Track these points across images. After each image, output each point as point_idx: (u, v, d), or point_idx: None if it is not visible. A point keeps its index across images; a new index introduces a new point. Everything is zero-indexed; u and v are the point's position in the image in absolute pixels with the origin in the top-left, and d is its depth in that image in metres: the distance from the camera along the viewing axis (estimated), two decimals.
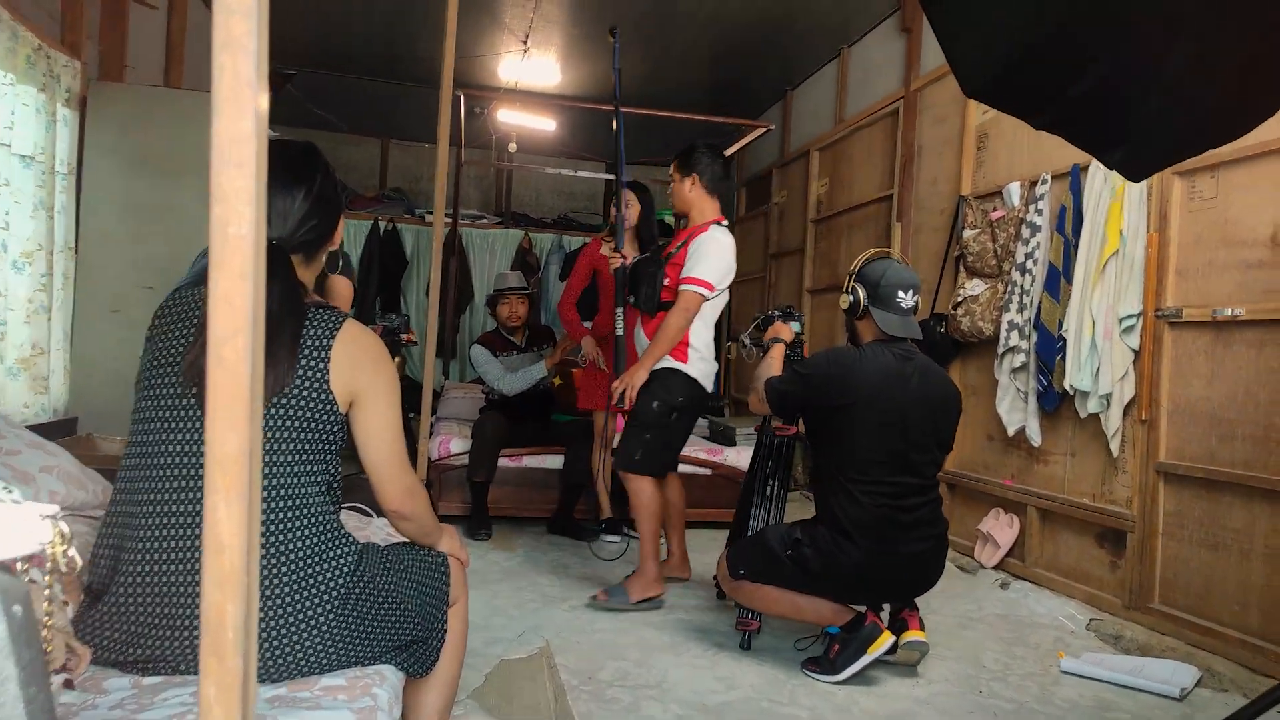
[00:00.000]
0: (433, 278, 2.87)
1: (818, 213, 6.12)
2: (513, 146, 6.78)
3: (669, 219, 7.70)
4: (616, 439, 4.45)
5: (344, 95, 7.29)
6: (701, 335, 3.35)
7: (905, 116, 4.92)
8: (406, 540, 1.67)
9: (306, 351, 1.39)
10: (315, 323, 1.42)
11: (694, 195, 3.41)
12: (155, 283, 3.41)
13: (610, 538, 4.27)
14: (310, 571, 1.37)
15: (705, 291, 3.25)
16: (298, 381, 1.38)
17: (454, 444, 4.47)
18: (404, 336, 3.43)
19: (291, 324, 1.38)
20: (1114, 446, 3.31)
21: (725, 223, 3.45)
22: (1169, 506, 3.12)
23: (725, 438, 5.63)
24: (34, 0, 3.23)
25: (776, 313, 3.07)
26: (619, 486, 4.38)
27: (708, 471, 4.69)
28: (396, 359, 4.79)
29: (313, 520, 1.40)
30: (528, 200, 8.66)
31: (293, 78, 6.97)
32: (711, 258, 3.28)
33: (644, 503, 3.25)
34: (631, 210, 4.27)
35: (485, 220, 7.88)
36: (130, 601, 1.34)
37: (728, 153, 5.76)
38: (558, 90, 7.00)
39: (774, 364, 2.87)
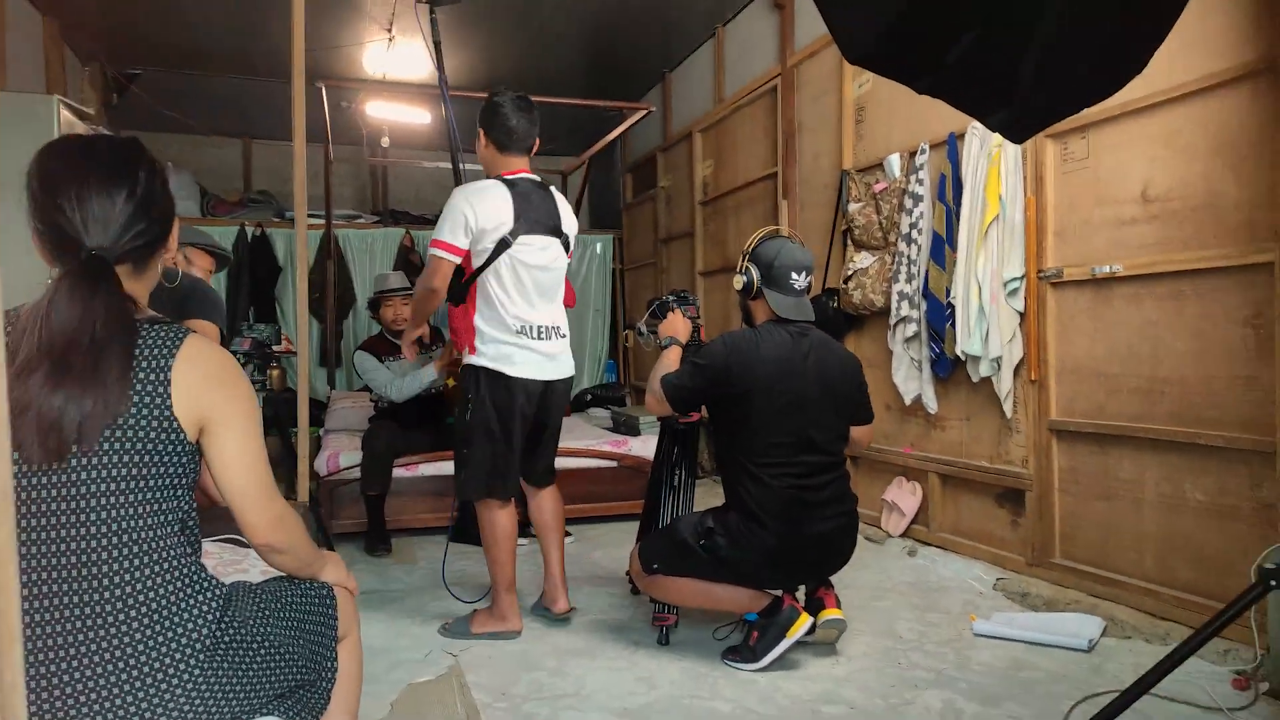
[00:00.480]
0: (299, 281, 2.67)
1: (705, 194, 6.09)
2: (385, 141, 6.48)
3: None
4: None
5: (198, 94, 6.84)
6: (491, 315, 2.78)
7: (784, 93, 4.92)
8: (284, 575, 1.50)
9: (142, 375, 1.20)
10: (150, 341, 1.23)
11: (485, 154, 2.92)
12: None
13: (520, 540, 4.11)
14: (168, 624, 1.20)
15: (442, 253, 2.72)
16: (134, 410, 1.19)
17: (343, 458, 4.23)
18: (278, 347, 3.19)
19: (120, 344, 1.19)
20: (1007, 408, 3.38)
21: (519, 175, 2.85)
22: (1063, 463, 3.19)
23: (629, 428, 5.56)
24: None
25: (671, 298, 2.98)
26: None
27: (613, 464, 4.60)
28: (275, 370, 4.50)
29: (167, 565, 1.22)
30: (407, 197, 8.33)
31: (138, 78, 6.49)
32: (444, 214, 2.76)
33: (486, 531, 2.86)
34: None
35: (362, 220, 7.54)
36: None
37: (609, 137, 5.68)
38: (430, 79, 6.73)
39: (670, 363, 2.77)
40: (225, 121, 7.39)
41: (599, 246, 7.85)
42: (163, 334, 1.24)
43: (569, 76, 6.83)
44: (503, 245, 2.73)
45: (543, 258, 2.82)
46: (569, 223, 2.97)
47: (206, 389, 1.25)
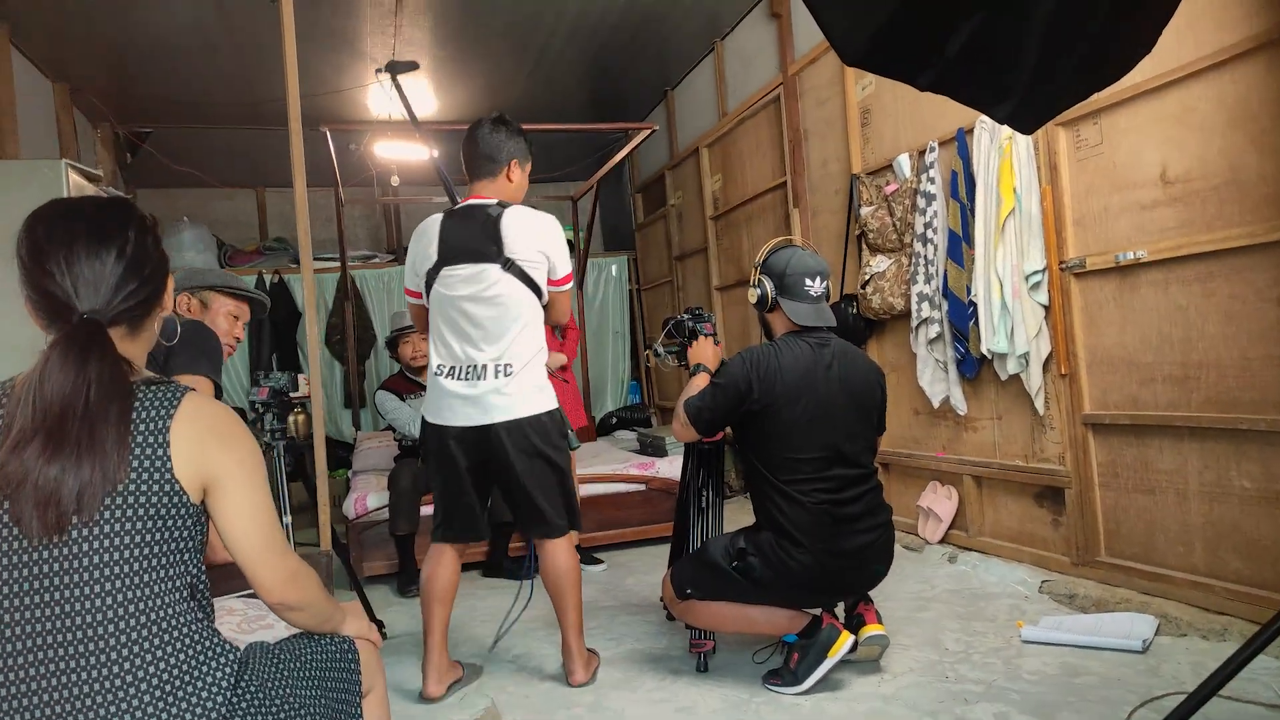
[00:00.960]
0: (308, 325, 2.64)
1: (715, 209, 6.05)
2: (395, 180, 6.52)
3: (567, 235, 7.56)
4: None
5: (209, 148, 6.93)
6: (431, 356, 2.64)
7: (787, 102, 4.88)
8: (299, 632, 1.46)
9: (140, 438, 1.18)
10: (147, 403, 1.20)
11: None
12: None
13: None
14: (180, 694, 1.16)
15: (409, 298, 2.72)
16: (134, 475, 1.16)
17: (371, 499, 4.21)
18: (296, 394, 3.18)
19: (118, 408, 1.17)
20: (1038, 405, 3.29)
21: (469, 202, 2.60)
22: (1101, 457, 3.10)
23: (655, 449, 5.50)
24: None
25: (685, 316, 2.94)
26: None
27: (641, 487, 4.54)
28: (300, 415, 4.50)
29: (177, 634, 1.18)
30: None
31: (149, 136, 6.60)
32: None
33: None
34: None
35: (377, 259, 7.58)
36: None
37: (615, 159, 5.67)
38: (436, 116, 6.77)
39: (697, 389, 2.72)
40: (237, 172, 7.48)
41: (614, 268, 7.84)
42: (160, 394, 1.22)
43: (572, 103, 6.85)
44: (429, 280, 2.59)
45: (469, 287, 2.51)
46: (518, 244, 2.50)
47: (207, 448, 1.22)
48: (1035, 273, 3.20)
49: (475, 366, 2.52)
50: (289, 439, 3.22)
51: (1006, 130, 3.28)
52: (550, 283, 2.60)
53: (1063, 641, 2.66)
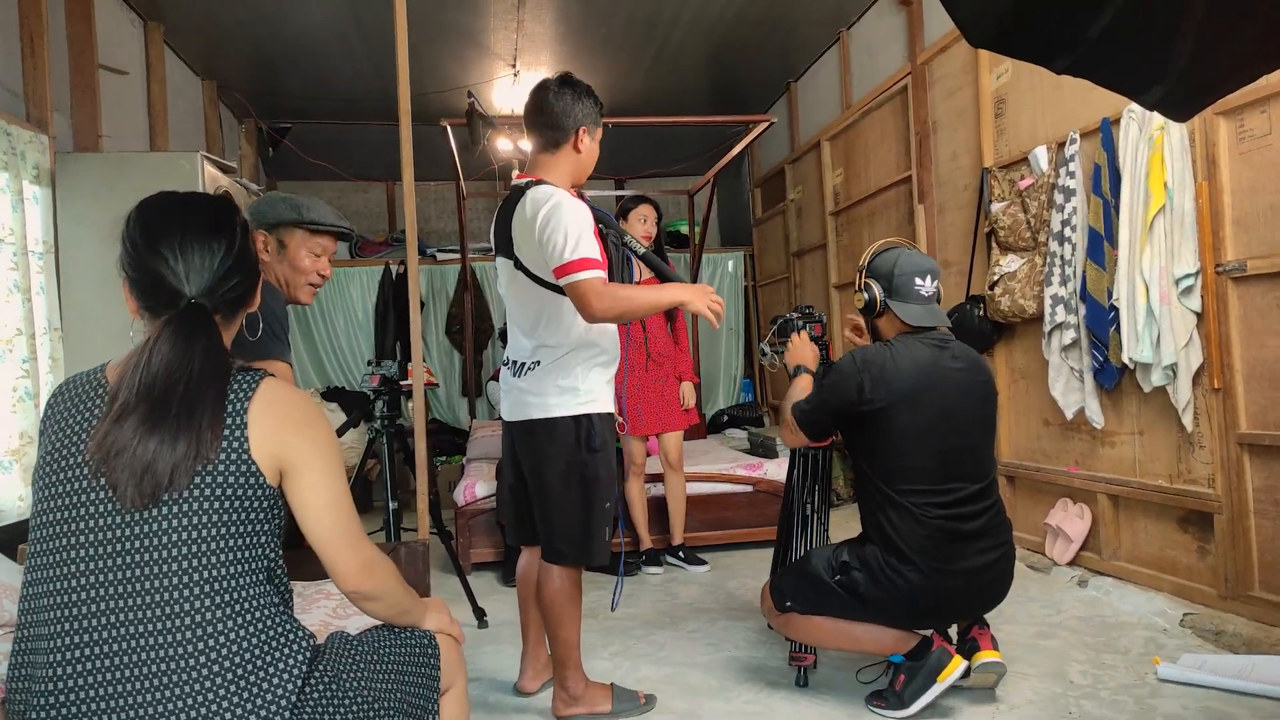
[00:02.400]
0: (412, 315, 2.66)
1: (836, 204, 5.86)
2: (515, 173, 6.60)
3: (683, 229, 7.50)
4: (648, 463, 4.25)
5: (345, 142, 7.21)
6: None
7: (915, 92, 4.66)
8: (382, 624, 1.45)
9: (225, 419, 1.21)
10: (232, 386, 1.24)
11: None
12: None
13: (652, 569, 4.03)
14: (252, 679, 1.16)
15: None
16: (215, 456, 1.18)
17: (479, 487, 4.27)
18: (406, 383, 3.25)
19: (216, 389, 1.21)
20: (1186, 421, 3.00)
21: (516, 183, 2.41)
22: (1258, 481, 2.80)
23: (765, 450, 5.39)
24: None
25: (794, 315, 2.82)
26: (657, 514, 4.16)
27: (749, 489, 4.44)
28: (410, 404, 4.61)
29: (253, 616, 1.19)
30: None
31: (289, 132, 6.93)
32: None
33: None
34: (655, 227, 4.08)
35: None
36: None
37: (732, 152, 5.56)
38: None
39: (801, 392, 2.60)
40: (370, 167, 7.76)
41: (730, 264, 7.72)
42: (242, 379, 1.25)
43: (691, 96, 6.77)
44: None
45: (502, 281, 2.45)
46: (522, 237, 2.27)
47: (283, 432, 1.24)
48: (1187, 276, 2.92)
49: (518, 361, 2.41)
50: (399, 426, 3.28)
51: (1158, 120, 3.00)
52: (554, 273, 2.19)
53: (1206, 683, 2.41)
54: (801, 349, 2.70)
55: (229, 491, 1.19)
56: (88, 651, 1.14)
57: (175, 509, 1.17)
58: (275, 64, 5.72)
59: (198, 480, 1.18)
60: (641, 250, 2.51)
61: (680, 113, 6.31)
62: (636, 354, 3.99)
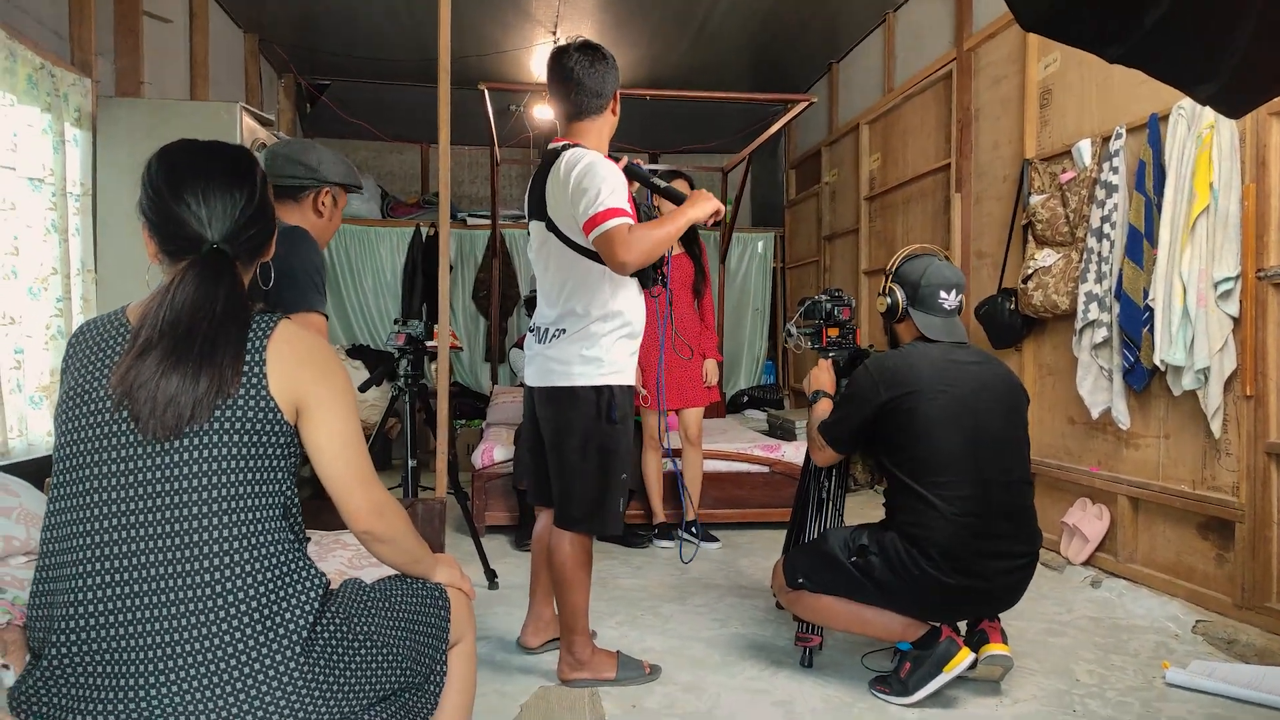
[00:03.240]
0: (440, 279, 2.66)
1: (871, 189, 5.79)
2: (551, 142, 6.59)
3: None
4: (669, 439, 4.26)
5: (381, 103, 7.22)
6: None
7: (959, 79, 4.58)
8: (396, 574, 1.47)
9: (244, 356, 1.24)
10: (250, 327, 1.27)
11: None
12: None
13: (664, 543, 4.05)
14: (268, 613, 1.19)
15: None
16: (239, 390, 1.21)
17: (497, 451, 4.30)
18: (431, 344, 3.26)
19: (237, 330, 1.24)
20: (1215, 427, 2.96)
21: (551, 145, 2.41)
22: None
23: (784, 432, 5.38)
24: (39, 20, 3.16)
25: (824, 298, 2.80)
26: (671, 489, 4.18)
27: (765, 469, 4.44)
28: (433, 366, 4.63)
29: (269, 551, 1.21)
30: None
31: (327, 89, 6.94)
32: None
33: None
34: None
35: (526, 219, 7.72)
36: (66, 666, 1.17)
37: (770, 131, 5.50)
38: None
39: (821, 415, 2.61)
40: (406, 128, 7.77)
41: (760, 245, 7.68)
42: (260, 320, 1.28)
43: (731, 73, 6.70)
44: None
45: (533, 246, 2.45)
46: (555, 197, 2.28)
47: (300, 370, 1.26)
48: (1227, 279, 2.86)
49: (543, 328, 2.43)
50: (422, 385, 3.30)
51: (1208, 119, 2.93)
52: (584, 228, 2.17)
53: (1214, 691, 2.39)
54: (820, 375, 2.73)
55: (248, 426, 1.21)
56: (107, 579, 1.16)
57: (196, 441, 1.19)
58: (318, 20, 5.71)
59: (218, 415, 1.20)
60: (663, 185, 2.49)
61: (719, 88, 6.25)
62: (674, 340, 3.97)
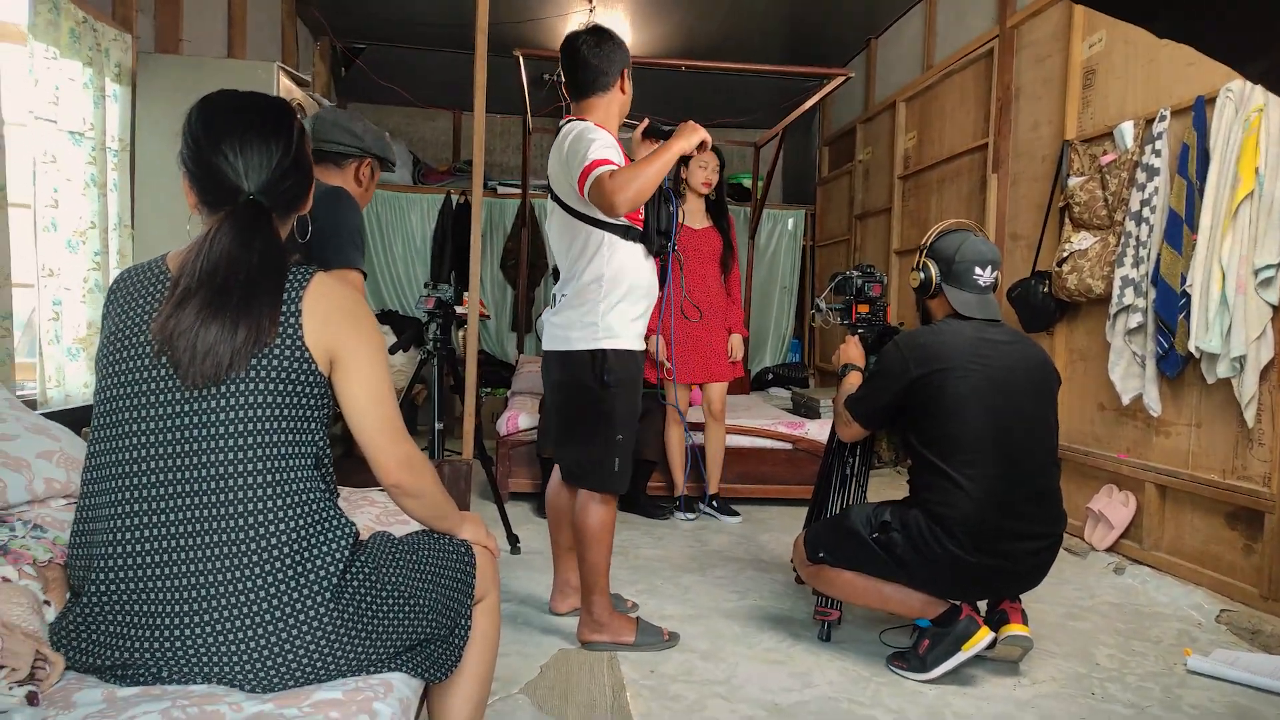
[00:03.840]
0: (473, 246, 2.68)
1: (905, 168, 5.72)
2: None
3: (746, 182, 7.40)
4: (690, 412, 4.27)
5: (414, 68, 7.21)
6: None
7: (1001, 57, 4.50)
8: (424, 529, 1.50)
9: (281, 308, 1.25)
10: (288, 279, 1.28)
11: None
12: None
13: (685, 515, 4.07)
14: (299, 559, 1.21)
15: None
16: (276, 341, 1.23)
17: (522, 419, 4.33)
18: (461, 310, 3.28)
19: (274, 280, 1.25)
20: (1248, 416, 2.91)
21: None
22: None
23: (808, 410, 5.37)
24: None
25: (855, 273, 2.78)
26: (694, 462, 4.19)
27: (788, 446, 4.43)
28: (460, 332, 4.64)
29: (302, 499, 1.23)
30: None
31: (363, 53, 6.94)
32: None
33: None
34: (716, 175, 4.01)
35: None
36: (104, 603, 1.20)
37: (805, 106, 5.44)
38: (633, 52, 6.74)
39: (850, 388, 2.61)
40: (439, 95, 7.76)
41: (790, 222, 7.62)
42: (296, 272, 1.29)
43: (768, 47, 6.63)
44: None
45: (549, 220, 2.56)
46: (555, 167, 2.40)
47: (334, 322, 1.28)
48: (1268, 267, 2.81)
49: (555, 295, 2.53)
50: (449, 349, 3.32)
51: (1257, 101, 2.86)
52: (577, 186, 2.25)
53: (1236, 679, 2.38)
54: (850, 349, 2.73)
55: (285, 375, 1.23)
56: (144, 519, 1.19)
57: (234, 389, 1.21)
58: None
59: (255, 363, 1.22)
60: (667, 129, 2.53)
61: (755, 61, 6.18)
62: (682, 304, 3.92)
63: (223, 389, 1.21)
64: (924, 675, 2.33)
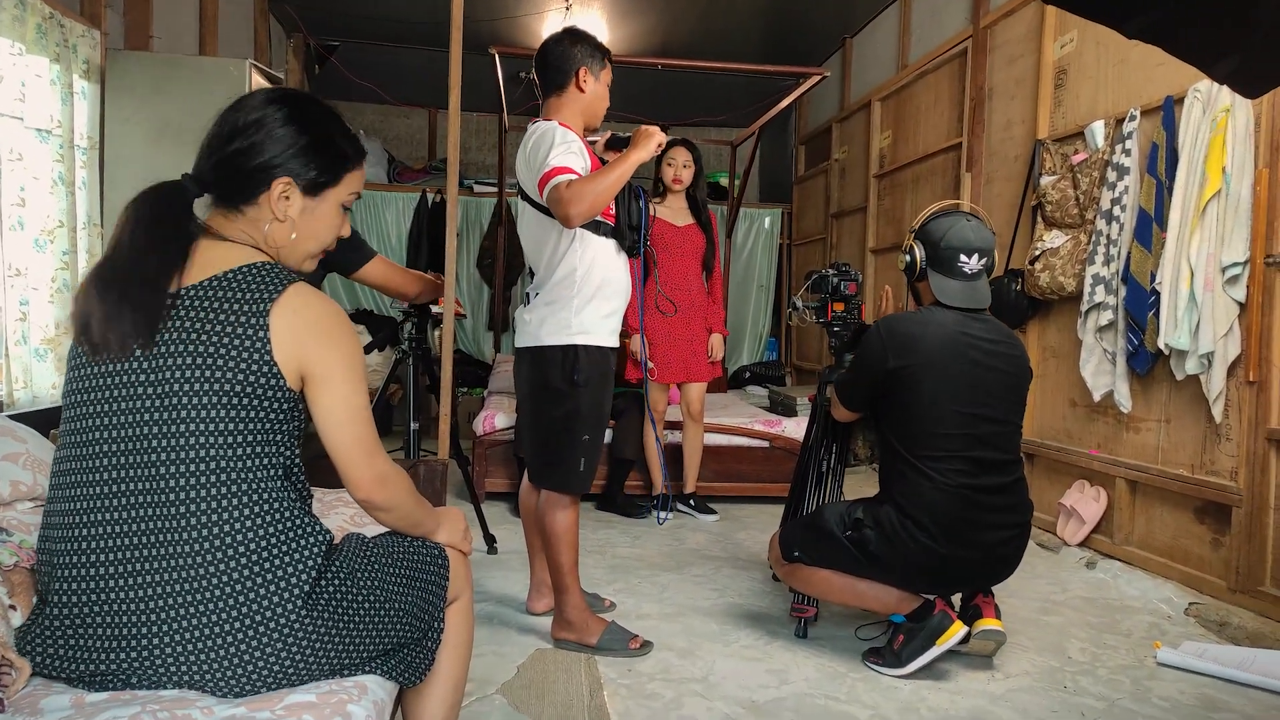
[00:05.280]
0: (448, 244, 2.68)
1: (881, 167, 5.76)
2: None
3: (723, 181, 7.41)
4: (669, 410, 4.26)
5: (389, 65, 7.15)
6: None
7: (974, 57, 4.54)
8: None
9: (239, 317, 1.21)
10: (249, 285, 1.23)
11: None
12: None
13: (662, 514, 4.08)
14: (268, 566, 1.19)
15: None
16: (232, 354, 1.19)
17: (498, 419, 4.32)
18: (437, 310, 3.26)
19: (158, 260, 1.22)
20: (1216, 412, 2.96)
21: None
22: None
23: (785, 408, 5.38)
24: None
25: (830, 272, 2.79)
26: (672, 460, 4.19)
27: (765, 444, 4.45)
28: (436, 332, 4.61)
29: (269, 509, 1.21)
30: None
31: (336, 50, 6.87)
32: None
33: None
34: (688, 171, 4.00)
35: None
36: (69, 612, 1.18)
37: (781, 105, 5.46)
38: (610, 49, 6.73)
39: None
40: (414, 92, 7.71)
41: (767, 221, 7.65)
42: (263, 278, 1.24)
43: (744, 46, 6.65)
44: None
45: (520, 218, 2.58)
46: (520, 168, 2.42)
47: (308, 339, 1.24)
48: (1235, 265, 2.85)
49: (527, 293, 2.54)
50: (425, 349, 3.30)
51: (1224, 102, 2.91)
52: (539, 189, 2.28)
53: (1205, 671, 2.41)
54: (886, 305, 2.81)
55: (248, 389, 1.19)
56: (105, 530, 1.17)
57: (198, 401, 1.18)
58: None
59: (218, 375, 1.19)
60: (624, 137, 2.52)
61: (731, 60, 6.19)
62: (656, 299, 3.91)
63: (185, 400, 1.18)
64: (899, 670, 2.34)
